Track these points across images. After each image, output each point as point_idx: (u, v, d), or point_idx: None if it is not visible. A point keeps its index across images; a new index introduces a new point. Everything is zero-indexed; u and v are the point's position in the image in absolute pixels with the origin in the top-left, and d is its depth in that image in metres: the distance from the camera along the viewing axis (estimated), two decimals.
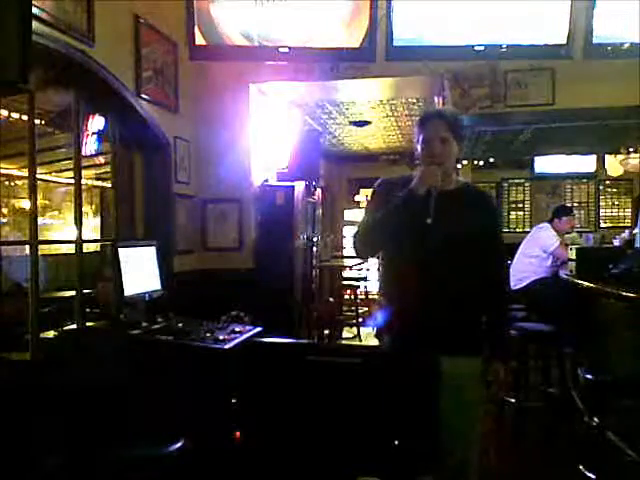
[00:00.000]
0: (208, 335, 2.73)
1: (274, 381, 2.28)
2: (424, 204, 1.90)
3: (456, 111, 2.40)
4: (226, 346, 2.60)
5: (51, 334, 2.82)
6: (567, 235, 5.19)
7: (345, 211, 9.59)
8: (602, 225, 8.90)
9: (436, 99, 4.74)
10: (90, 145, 3.90)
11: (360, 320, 7.01)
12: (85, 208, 5.13)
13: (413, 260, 1.95)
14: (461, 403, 1.93)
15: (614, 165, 7.00)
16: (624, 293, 3.04)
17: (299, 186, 4.38)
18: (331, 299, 6.50)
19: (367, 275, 7.58)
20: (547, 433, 3.68)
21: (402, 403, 2.03)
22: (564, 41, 4.01)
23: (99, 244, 4.27)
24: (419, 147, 2.00)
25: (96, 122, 3.70)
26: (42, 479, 2.02)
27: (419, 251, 1.94)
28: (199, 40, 4.00)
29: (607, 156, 7.05)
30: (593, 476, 2.80)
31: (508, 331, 2.29)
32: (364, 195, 9.51)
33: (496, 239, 2.14)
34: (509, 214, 9.29)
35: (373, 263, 7.87)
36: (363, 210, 2.17)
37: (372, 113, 6.33)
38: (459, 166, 7.86)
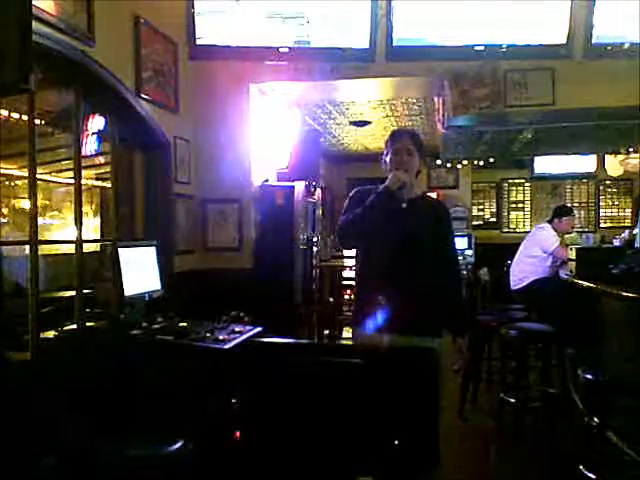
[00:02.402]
0: (208, 335, 2.72)
1: (274, 381, 2.28)
2: (395, 200, 2.34)
3: (418, 131, 2.89)
4: (226, 346, 2.60)
5: (51, 334, 2.82)
6: (567, 235, 5.19)
7: None
8: (602, 225, 8.91)
9: (436, 99, 4.74)
10: (90, 145, 3.89)
11: None
12: (85, 208, 5.11)
13: (386, 249, 2.31)
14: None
15: (614, 165, 6.99)
16: (624, 293, 3.05)
17: (299, 186, 4.37)
18: (331, 299, 6.49)
19: None
20: (547, 433, 3.68)
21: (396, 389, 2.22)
22: (564, 41, 4.01)
23: (99, 244, 4.27)
24: (388, 158, 2.40)
25: (96, 122, 3.70)
26: (42, 479, 2.02)
27: (392, 240, 2.30)
28: (199, 40, 4.01)
29: (607, 156, 7.05)
30: (593, 476, 2.80)
31: (464, 311, 2.70)
32: None
33: (450, 240, 2.50)
34: (509, 214, 9.29)
35: None
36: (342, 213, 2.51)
37: (372, 113, 6.33)
38: (459, 166, 7.89)
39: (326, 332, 6.01)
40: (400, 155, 2.36)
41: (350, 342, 6.49)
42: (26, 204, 2.96)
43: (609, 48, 4.02)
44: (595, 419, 2.83)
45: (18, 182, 5.40)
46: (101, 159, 4.40)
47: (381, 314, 2.29)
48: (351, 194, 2.47)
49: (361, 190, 2.45)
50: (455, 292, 2.46)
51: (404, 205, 2.38)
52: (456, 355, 2.50)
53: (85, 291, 3.20)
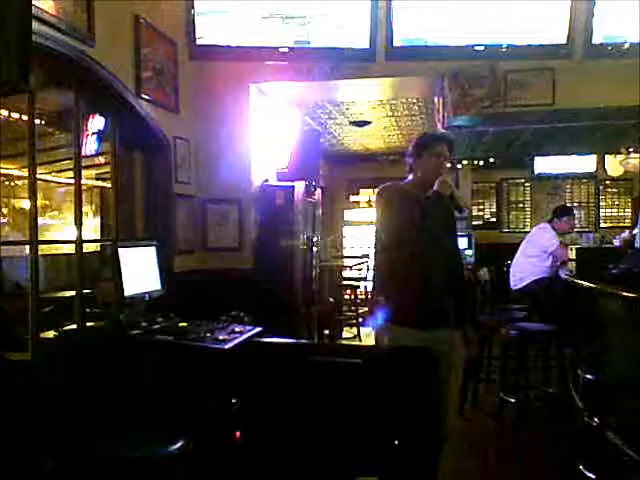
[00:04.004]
0: (208, 335, 2.72)
1: (274, 381, 2.29)
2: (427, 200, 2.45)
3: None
4: (226, 346, 2.60)
5: (51, 334, 2.82)
6: (567, 235, 5.19)
7: (345, 211, 9.59)
8: (602, 225, 8.90)
9: (436, 99, 4.74)
10: (90, 145, 3.90)
11: (360, 320, 7.01)
12: (85, 208, 5.13)
13: (424, 246, 2.43)
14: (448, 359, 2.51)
15: (614, 165, 6.99)
16: (624, 293, 3.04)
17: (299, 186, 4.37)
18: (331, 299, 6.49)
19: (367, 275, 7.58)
20: (547, 433, 3.68)
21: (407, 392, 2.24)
22: (564, 41, 4.01)
23: (99, 244, 4.27)
24: (430, 160, 2.48)
25: (96, 122, 3.71)
26: (42, 479, 2.02)
27: (429, 238, 2.43)
28: (199, 40, 4.01)
29: (607, 156, 7.05)
30: (593, 476, 2.80)
31: (469, 304, 2.95)
32: (365, 195, 9.51)
33: (456, 236, 2.72)
34: (509, 214, 9.29)
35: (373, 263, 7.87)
36: (381, 214, 2.56)
37: (372, 113, 6.33)
38: (459, 166, 7.90)
39: (326, 332, 6.02)
40: (444, 162, 2.52)
41: (350, 342, 6.49)
42: (26, 204, 2.96)
43: (609, 48, 4.02)
44: (595, 419, 2.83)
45: (18, 182, 5.41)
46: (101, 159, 4.41)
47: (411, 308, 2.41)
48: (384, 194, 2.53)
49: (391, 189, 2.53)
50: (462, 286, 2.67)
51: (434, 205, 2.47)
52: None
53: (85, 291, 3.20)
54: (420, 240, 2.42)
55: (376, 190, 2.59)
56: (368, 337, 6.71)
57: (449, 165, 2.60)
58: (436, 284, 2.46)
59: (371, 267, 7.90)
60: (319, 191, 5.07)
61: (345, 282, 7.36)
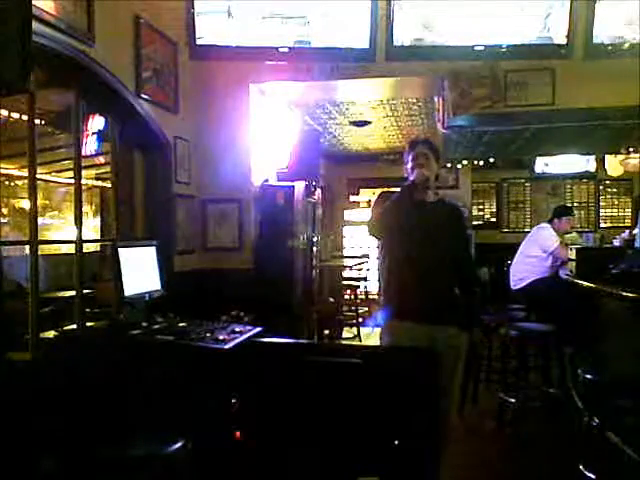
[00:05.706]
0: (208, 335, 2.72)
1: (274, 381, 2.28)
2: (418, 200, 2.63)
3: (432, 139, 3.06)
4: (226, 346, 2.59)
5: (51, 334, 2.82)
6: (567, 235, 5.19)
7: (345, 211, 9.59)
8: (602, 225, 8.91)
9: (436, 99, 4.74)
10: (90, 145, 3.90)
11: (360, 320, 7.01)
12: (85, 208, 5.13)
13: (407, 250, 2.59)
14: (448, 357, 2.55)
15: (614, 165, 6.98)
16: (624, 293, 3.04)
17: (299, 186, 4.37)
18: (331, 299, 6.49)
19: (367, 275, 7.58)
20: (547, 433, 3.68)
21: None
22: (564, 41, 4.01)
23: (99, 244, 4.27)
24: (409, 165, 2.68)
25: (96, 122, 3.71)
26: (42, 479, 2.02)
27: (415, 235, 2.59)
28: (199, 40, 4.01)
29: (607, 156, 7.04)
30: (593, 476, 2.80)
31: (477, 306, 3.02)
32: (365, 195, 9.52)
33: (465, 240, 2.86)
34: (509, 214, 9.29)
35: (373, 263, 7.89)
36: (370, 211, 2.85)
37: (372, 113, 6.33)
38: (459, 166, 7.89)
39: (326, 332, 6.01)
40: (419, 159, 2.66)
41: (350, 342, 6.50)
42: (26, 204, 2.96)
43: (609, 48, 4.02)
44: (595, 419, 2.83)
45: (18, 182, 5.41)
46: (101, 159, 4.41)
47: (408, 304, 2.56)
48: (377, 195, 2.80)
49: (386, 192, 2.79)
50: (468, 290, 2.72)
51: (425, 204, 2.66)
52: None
53: (85, 291, 3.20)
54: (410, 241, 2.59)
55: (376, 192, 2.88)
56: (368, 337, 6.71)
57: (436, 162, 2.71)
58: (432, 282, 2.56)
59: (372, 269, 7.93)
60: (319, 191, 5.07)
61: (345, 282, 7.36)
